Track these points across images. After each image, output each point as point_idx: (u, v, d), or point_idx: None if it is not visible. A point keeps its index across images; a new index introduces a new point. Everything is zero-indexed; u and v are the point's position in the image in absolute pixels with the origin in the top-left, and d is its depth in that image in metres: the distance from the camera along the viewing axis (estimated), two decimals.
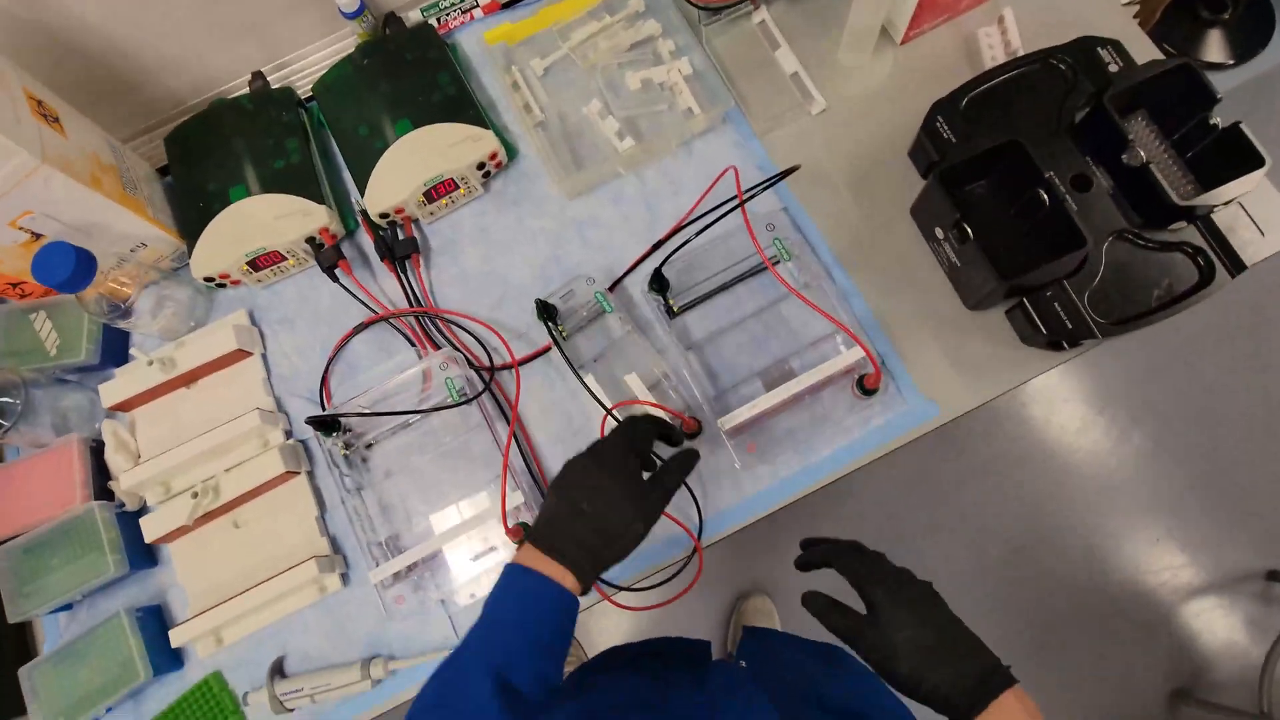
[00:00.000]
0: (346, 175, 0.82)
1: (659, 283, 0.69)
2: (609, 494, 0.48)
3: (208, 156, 0.79)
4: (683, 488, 0.67)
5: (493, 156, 0.76)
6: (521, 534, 0.63)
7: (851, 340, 0.67)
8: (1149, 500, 1.51)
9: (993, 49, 0.78)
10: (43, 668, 0.67)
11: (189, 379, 0.75)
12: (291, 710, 0.67)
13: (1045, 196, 0.65)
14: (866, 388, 0.64)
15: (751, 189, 0.65)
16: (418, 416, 0.71)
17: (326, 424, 0.67)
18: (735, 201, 0.66)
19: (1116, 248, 0.67)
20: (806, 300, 0.66)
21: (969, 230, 0.65)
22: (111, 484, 0.73)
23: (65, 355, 0.74)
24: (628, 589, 0.68)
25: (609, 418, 0.65)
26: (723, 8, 0.79)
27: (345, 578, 0.70)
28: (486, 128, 0.76)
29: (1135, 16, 0.79)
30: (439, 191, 0.76)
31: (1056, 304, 0.65)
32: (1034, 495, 1.52)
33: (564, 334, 0.70)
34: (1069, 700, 1.44)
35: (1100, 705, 1.42)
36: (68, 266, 0.64)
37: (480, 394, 0.69)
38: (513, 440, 0.70)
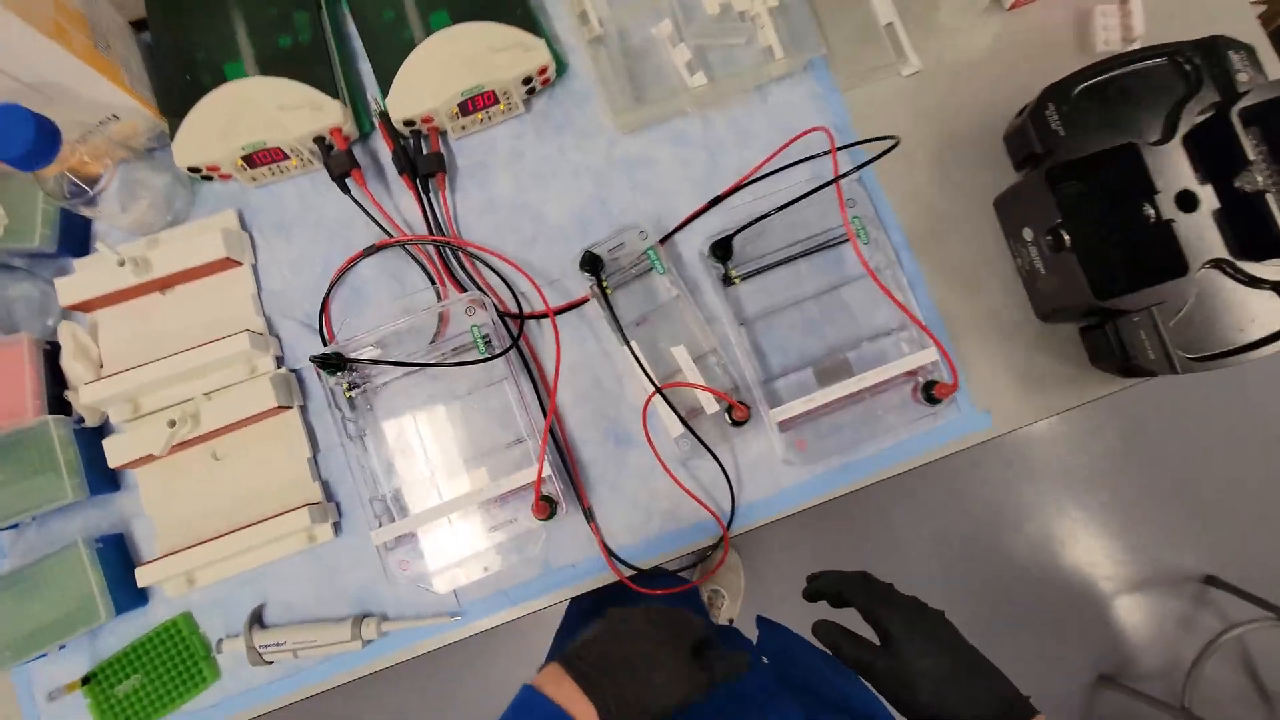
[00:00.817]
0: (363, 66, 0.70)
1: (723, 250, 0.62)
2: (668, 664, 0.40)
3: (198, 18, 0.66)
4: (719, 469, 0.63)
5: (542, 71, 0.66)
6: (548, 511, 0.58)
7: (922, 340, 0.62)
8: (1107, 497, 1.57)
9: (1108, 30, 0.70)
10: None
11: (164, 284, 0.65)
12: (270, 663, 0.62)
13: (1154, 212, 0.60)
14: (934, 396, 0.60)
15: (849, 170, 0.58)
16: (428, 366, 0.64)
17: (331, 362, 0.59)
18: (813, 168, 0.58)
19: (1209, 276, 0.62)
20: (886, 291, 0.60)
21: (1067, 238, 0.60)
22: (69, 394, 0.64)
23: (15, 238, 0.63)
24: (647, 573, 0.64)
25: (655, 398, 0.59)
26: None
27: (338, 527, 0.64)
28: (539, 35, 0.66)
29: (1259, 17, 0.72)
30: (476, 104, 0.65)
31: (1142, 331, 0.61)
32: (1000, 479, 1.56)
33: (608, 291, 0.63)
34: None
35: (1026, 683, 1.51)
36: (25, 138, 0.53)
37: (511, 347, 0.61)
38: (539, 400, 0.63)
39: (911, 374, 0.63)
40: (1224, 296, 0.62)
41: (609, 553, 0.63)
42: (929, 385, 0.61)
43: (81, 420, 0.63)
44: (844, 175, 0.58)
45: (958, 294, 0.68)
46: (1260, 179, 0.60)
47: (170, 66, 0.66)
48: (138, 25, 0.69)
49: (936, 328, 0.66)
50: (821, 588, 0.52)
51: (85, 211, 0.62)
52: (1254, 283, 0.62)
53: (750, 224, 0.60)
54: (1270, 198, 0.59)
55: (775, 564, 1.50)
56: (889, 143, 0.58)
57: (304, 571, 0.64)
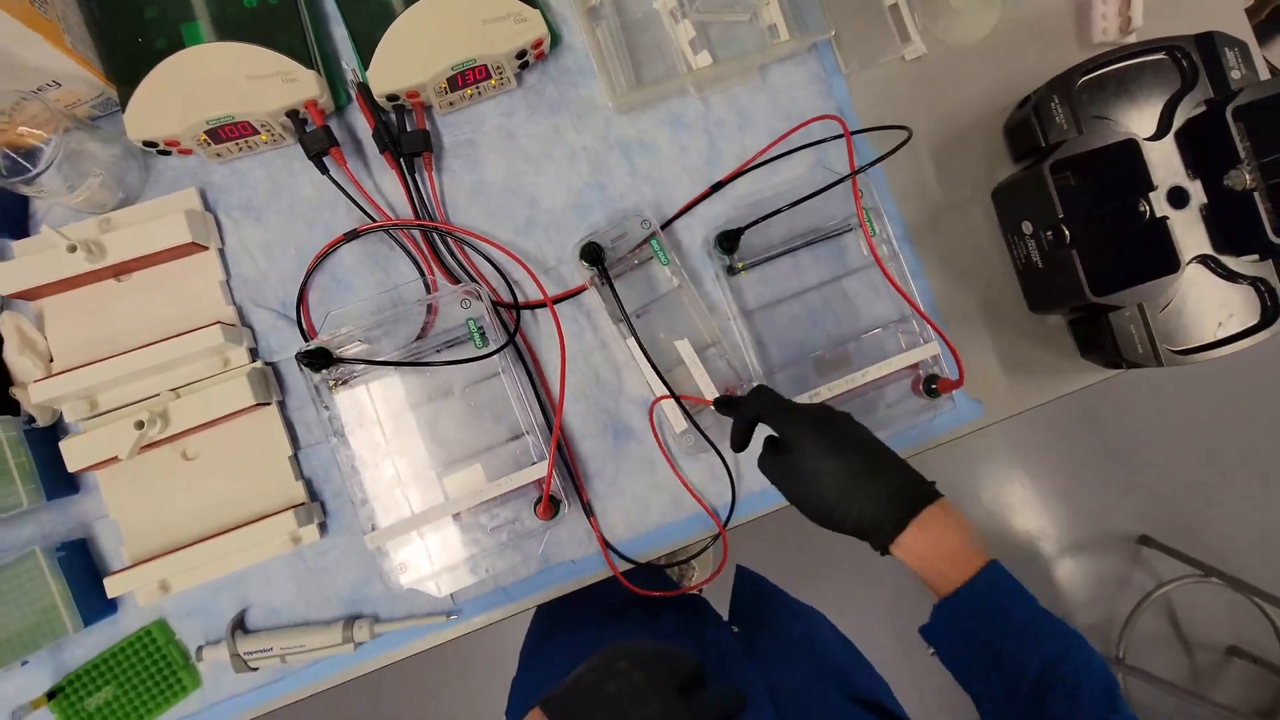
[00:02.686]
0: (336, 30, 0.64)
1: (730, 242, 0.60)
2: (654, 707, 0.37)
3: None
4: (721, 464, 0.63)
5: (536, 44, 0.62)
6: (554, 513, 0.56)
7: (923, 333, 0.63)
8: (1053, 459, 1.65)
9: (1106, 20, 0.70)
10: None
11: (120, 270, 0.60)
12: (255, 669, 0.59)
13: (1149, 209, 0.61)
14: (935, 391, 0.60)
15: (867, 164, 0.56)
16: (422, 366, 0.61)
17: (317, 359, 0.55)
18: (815, 153, 0.57)
19: (1193, 271, 0.64)
20: (897, 286, 0.59)
21: (1068, 235, 0.60)
22: (15, 392, 0.58)
23: None
24: (645, 566, 0.63)
25: (663, 402, 0.57)
26: None
27: (324, 527, 0.61)
28: (533, 4, 0.61)
29: (1244, 10, 0.73)
30: (465, 79, 0.61)
31: (1132, 326, 0.62)
32: (964, 452, 1.62)
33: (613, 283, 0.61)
34: None
35: None
36: None
37: (509, 342, 0.58)
38: (536, 394, 0.61)
39: (912, 367, 0.63)
40: (1206, 292, 0.65)
41: (608, 548, 0.63)
42: (930, 379, 0.61)
43: (32, 420, 0.58)
44: (862, 169, 0.57)
45: (953, 284, 0.68)
46: (1249, 177, 0.61)
47: (116, 27, 0.59)
48: None
49: (933, 318, 0.66)
50: (745, 414, 0.52)
51: (25, 190, 0.56)
52: (1234, 277, 0.65)
53: (763, 218, 0.58)
54: (1258, 196, 0.61)
55: (757, 547, 1.53)
56: (901, 136, 0.57)
57: (289, 574, 0.61)
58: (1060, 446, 1.66)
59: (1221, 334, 0.64)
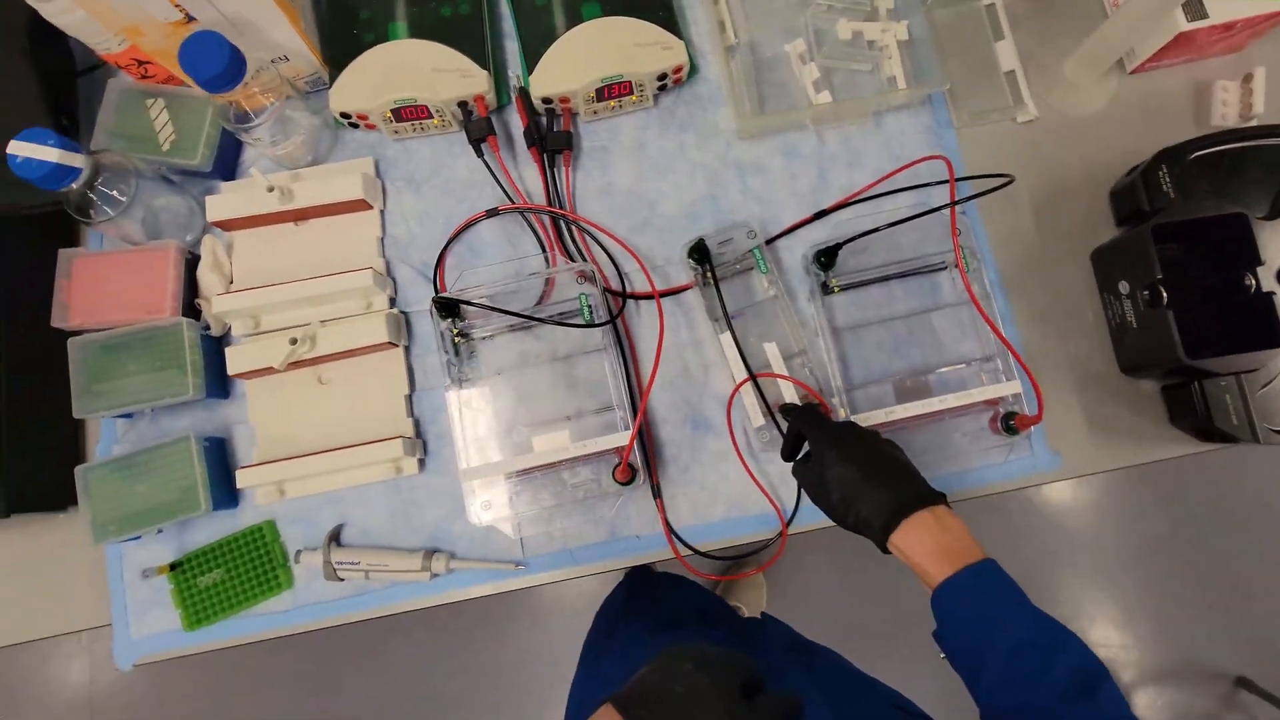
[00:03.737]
0: (509, 44, 0.75)
1: (828, 258, 0.65)
2: (717, 707, 0.39)
3: None
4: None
5: (677, 70, 0.70)
6: (629, 477, 0.61)
7: (1005, 373, 0.64)
8: (1144, 577, 1.54)
9: (1226, 105, 0.72)
10: (100, 471, 0.64)
11: (300, 215, 0.70)
12: (342, 580, 0.65)
13: (1255, 283, 0.62)
14: (1013, 427, 0.62)
15: (968, 197, 0.60)
16: (536, 321, 0.67)
17: (449, 307, 0.63)
18: (918, 195, 0.61)
19: None
20: (987, 318, 0.62)
21: (1165, 295, 0.62)
22: (199, 302, 0.69)
23: (178, 154, 0.69)
24: (704, 554, 0.66)
25: (746, 385, 0.62)
26: None
27: (422, 464, 0.68)
28: (679, 36, 0.70)
29: None
30: (611, 92, 0.69)
31: (1227, 396, 0.62)
32: (1041, 538, 1.54)
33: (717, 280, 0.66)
34: None
35: None
36: (220, 62, 0.58)
37: (614, 319, 0.65)
38: (626, 374, 0.67)
39: (991, 403, 0.64)
40: None
41: (670, 530, 0.66)
42: (1009, 415, 0.62)
43: (208, 328, 0.68)
44: (961, 200, 0.61)
45: (1043, 336, 0.70)
46: None
47: (338, 20, 0.72)
48: None
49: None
50: (792, 429, 0.59)
51: (245, 138, 0.68)
52: None
53: (859, 236, 0.63)
54: None
55: (799, 588, 1.51)
56: (1004, 178, 0.61)
57: (385, 500, 0.67)
58: (1157, 560, 1.55)
59: None
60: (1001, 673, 0.44)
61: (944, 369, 0.67)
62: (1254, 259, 0.62)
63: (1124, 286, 0.66)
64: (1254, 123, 0.71)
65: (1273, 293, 0.61)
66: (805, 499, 0.66)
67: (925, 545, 0.48)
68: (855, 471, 0.51)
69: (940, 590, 0.47)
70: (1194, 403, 0.63)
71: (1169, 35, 0.67)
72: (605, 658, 0.75)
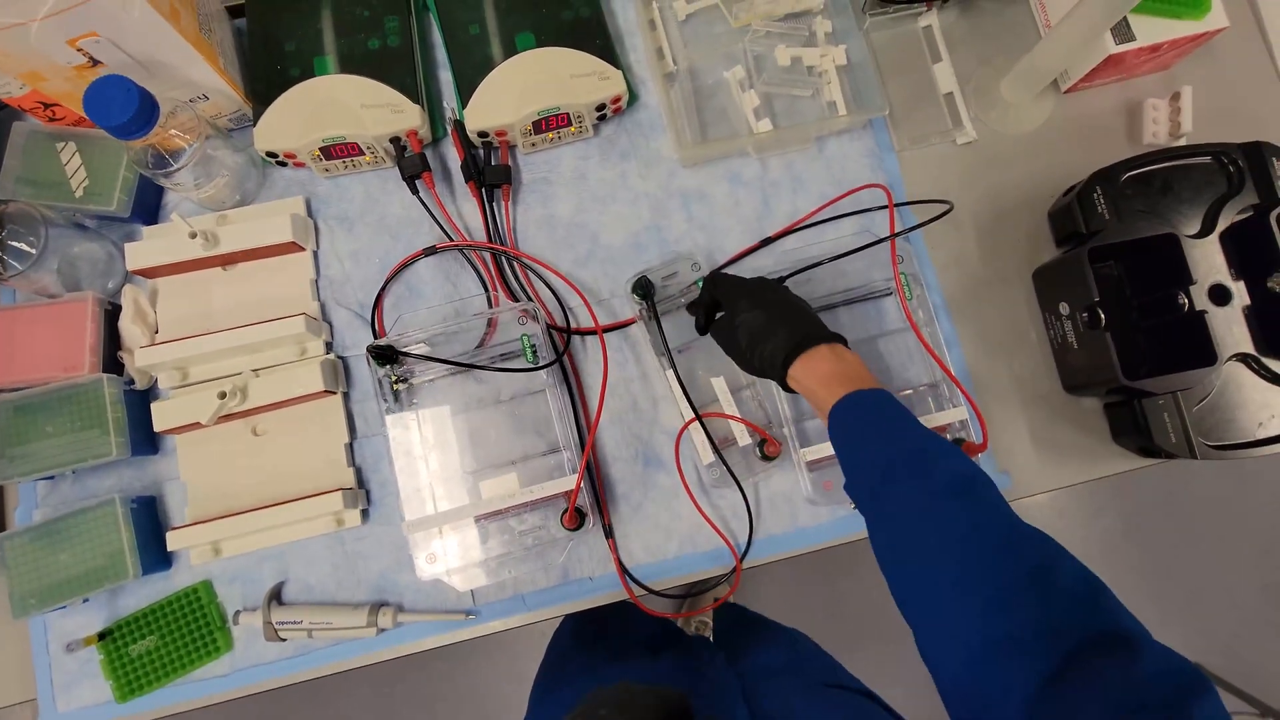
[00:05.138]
0: (443, 75, 0.73)
1: None
2: None
3: (293, 13, 0.69)
4: (741, 500, 0.65)
5: (615, 100, 0.69)
6: (578, 522, 0.59)
7: (953, 398, 0.65)
8: (1099, 575, 1.57)
9: (1156, 124, 0.73)
10: (18, 540, 0.61)
11: (228, 260, 0.68)
12: (284, 640, 0.63)
13: (1187, 302, 0.63)
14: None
15: (908, 229, 0.60)
16: (477, 368, 0.66)
17: (385, 354, 0.61)
18: (861, 221, 0.61)
19: (1233, 369, 0.65)
20: (927, 345, 0.62)
21: (1103, 317, 0.62)
22: (122, 355, 0.66)
23: (93, 200, 0.65)
24: (658, 593, 0.65)
25: (692, 425, 0.61)
26: (900, 0, 0.72)
27: (366, 514, 0.65)
28: (617, 65, 0.68)
29: None
30: (549, 124, 0.68)
31: (1165, 414, 0.63)
32: None
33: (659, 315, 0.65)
34: None
35: None
36: (129, 108, 0.55)
37: (558, 359, 0.63)
38: (575, 414, 0.65)
39: (940, 429, 0.64)
40: (1246, 390, 0.65)
41: (623, 570, 0.65)
42: (956, 443, 0.62)
43: (131, 382, 0.65)
44: (901, 233, 0.61)
45: (988, 358, 0.70)
46: None
47: (261, 55, 0.69)
48: (232, 11, 0.72)
49: (966, 388, 0.68)
50: (702, 300, 0.62)
51: (164, 182, 0.65)
52: (1277, 380, 0.65)
53: (804, 269, 0.62)
54: None
55: (767, 601, 1.51)
56: (944, 207, 0.61)
57: (327, 554, 0.65)
58: (1109, 556, 1.59)
59: (1261, 434, 0.64)
60: (886, 480, 0.45)
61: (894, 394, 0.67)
62: (1185, 278, 0.63)
63: (1064, 308, 0.66)
64: (1183, 141, 0.73)
65: (1204, 311, 0.62)
66: (759, 531, 0.66)
67: (821, 372, 0.51)
68: (762, 315, 0.54)
69: (834, 410, 0.49)
70: (1135, 421, 0.64)
71: (1099, 57, 0.68)
72: (552, 694, 0.73)
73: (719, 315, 0.61)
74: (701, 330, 0.62)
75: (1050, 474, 0.68)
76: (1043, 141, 0.74)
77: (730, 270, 0.67)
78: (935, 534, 0.41)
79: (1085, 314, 0.64)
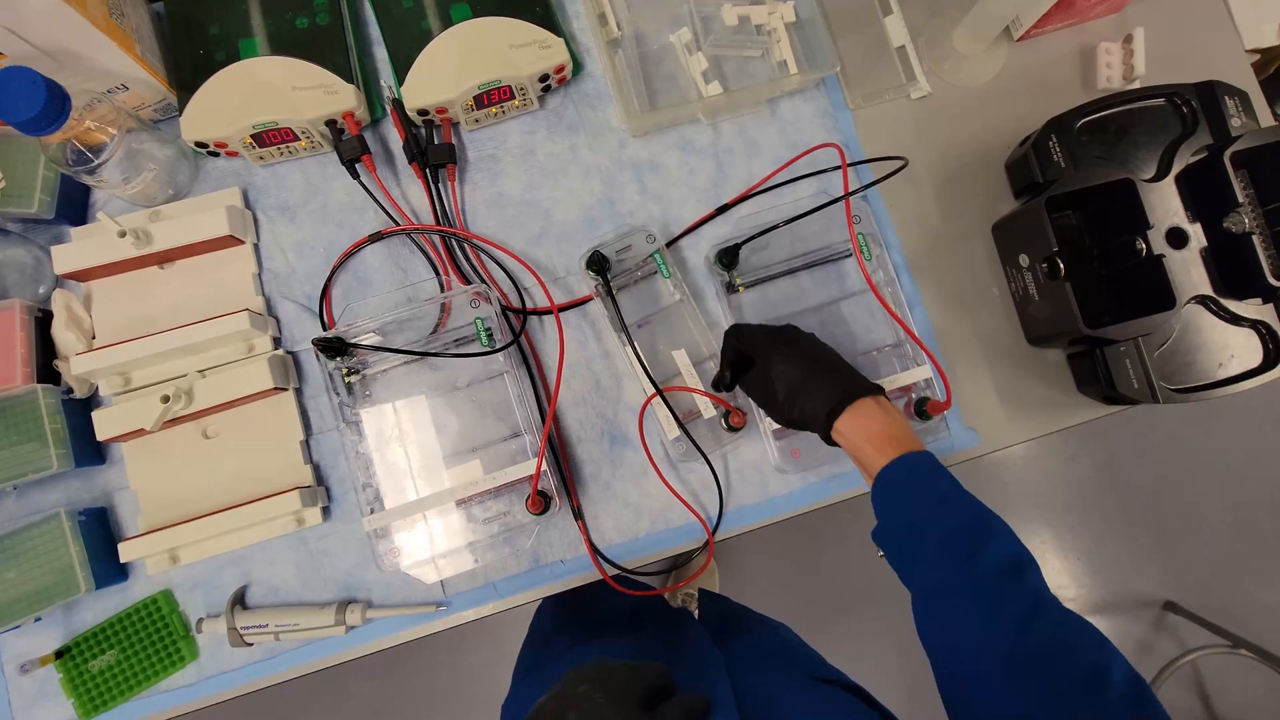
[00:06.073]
0: (378, 52, 0.70)
1: (729, 258, 0.63)
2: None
3: None
4: (710, 473, 0.64)
5: (559, 70, 0.66)
6: (543, 506, 0.58)
7: (917, 357, 0.64)
8: (1075, 521, 1.61)
9: (1110, 68, 0.72)
10: None
11: (164, 258, 0.65)
12: (250, 645, 0.61)
13: (1145, 247, 0.62)
14: (926, 412, 0.61)
15: (860, 188, 0.59)
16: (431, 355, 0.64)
17: (333, 346, 0.59)
18: (819, 182, 0.59)
19: (1193, 311, 0.65)
20: (887, 306, 0.61)
21: (1062, 267, 0.62)
22: (58, 364, 0.63)
23: (12, 202, 0.62)
24: (632, 575, 0.65)
25: (655, 400, 0.60)
26: None
27: (327, 512, 0.64)
28: (558, 33, 0.66)
29: (1252, 65, 0.74)
30: (491, 98, 0.65)
31: (1127, 361, 0.63)
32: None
33: (614, 291, 0.63)
34: None
35: None
36: (36, 102, 0.52)
37: (514, 342, 0.61)
38: (537, 396, 0.64)
39: (905, 389, 0.64)
40: (1206, 332, 0.65)
41: (595, 551, 0.64)
42: (921, 401, 0.62)
43: (70, 391, 0.62)
44: (854, 192, 0.59)
45: (952, 315, 0.69)
46: (1247, 220, 0.62)
47: (183, 39, 0.65)
48: None
49: (930, 347, 0.68)
50: (727, 359, 0.59)
51: (87, 180, 0.61)
52: (1235, 320, 0.65)
53: (758, 234, 0.61)
54: (1256, 239, 0.61)
55: (750, 568, 1.52)
56: (898, 163, 0.59)
57: (290, 555, 0.63)
58: (1084, 500, 1.61)
59: (1222, 374, 0.64)
60: (934, 556, 0.45)
61: (858, 357, 0.66)
62: (1143, 223, 0.62)
63: (1024, 259, 0.66)
64: (1136, 84, 0.72)
65: (1162, 255, 0.62)
66: (730, 503, 0.65)
67: (869, 429, 0.50)
68: (799, 367, 0.53)
69: (882, 474, 0.49)
70: (1097, 369, 0.64)
71: (1051, 1, 0.67)
72: (533, 673, 0.73)
73: (749, 369, 0.58)
74: (729, 386, 0.59)
75: (1017, 428, 0.68)
76: (997, 92, 0.73)
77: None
78: (987, 618, 0.42)
79: (1045, 265, 0.63)
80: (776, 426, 0.62)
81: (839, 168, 0.67)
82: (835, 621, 1.50)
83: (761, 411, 0.62)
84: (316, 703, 1.49)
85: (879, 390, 0.52)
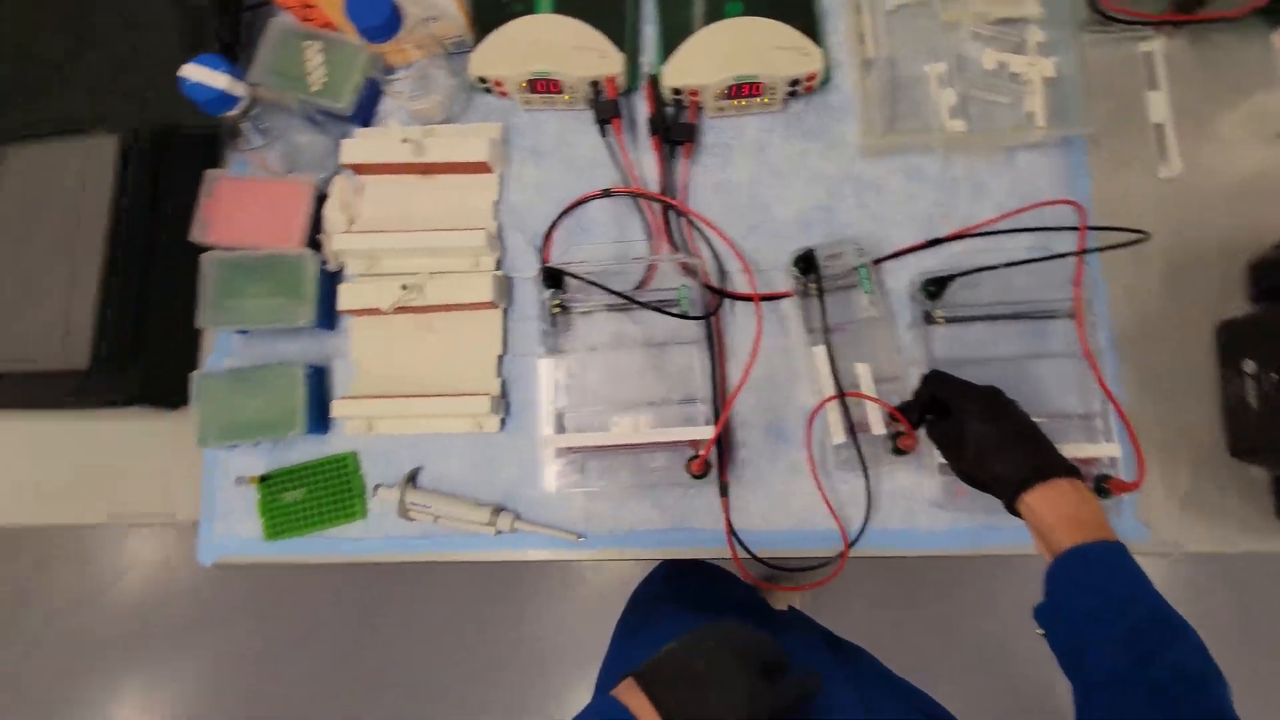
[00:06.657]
0: (647, 28, 0.76)
1: (937, 288, 0.64)
2: (735, 683, 0.40)
3: None
4: (863, 488, 0.65)
5: (810, 77, 0.70)
6: (704, 471, 0.61)
7: (1106, 433, 0.62)
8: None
9: None
10: (213, 380, 0.69)
11: (427, 169, 0.73)
12: (412, 520, 0.68)
13: None
14: (1105, 490, 0.59)
15: (1097, 249, 0.59)
16: (636, 304, 0.69)
17: (554, 276, 0.65)
18: (1039, 238, 0.59)
19: None
20: (1100, 378, 0.60)
21: None
22: (321, 237, 0.73)
23: (326, 96, 0.72)
24: (762, 561, 0.67)
25: (828, 405, 0.62)
26: (1127, 20, 0.69)
27: (504, 424, 0.70)
28: (818, 43, 0.69)
29: None
30: (741, 91, 0.70)
31: None
32: None
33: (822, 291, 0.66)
34: None
35: None
36: (382, 13, 0.61)
37: (713, 313, 0.65)
38: (713, 371, 0.67)
39: (1085, 462, 0.62)
40: None
41: (732, 531, 0.66)
42: (1102, 478, 0.60)
43: (325, 262, 0.72)
44: (1089, 250, 0.59)
45: (1149, 401, 0.67)
46: None
47: None
48: None
49: (1120, 428, 0.65)
50: (921, 399, 0.59)
51: (387, 90, 0.71)
52: None
53: (974, 271, 0.62)
54: None
55: (844, 606, 1.48)
56: (1139, 234, 0.58)
57: (465, 452, 0.70)
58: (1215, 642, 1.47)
59: None
60: (1112, 650, 0.43)
61: (1040, 419, 0.65)
62: None
63: (1249, 365, 0.62)
64: None
65: None
66: (873, 521, 0.66)
67: (1061, 510, 0.49)
68: (995, 431, 0.53)
69: (1065, 557, 0.47)
70: None
71: None
72: (639, 635, 0.76)
73: (941, 418, 0.58)
74: (915, 425, 0.60)
75: (1196, 537, 0.64)
76: (1256, 189, 0.69)
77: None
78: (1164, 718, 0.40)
79: (1275, 375, 0.60)
80: (944, 460, 0.62)
81: (1072, 229, 0.66)
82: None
83: (933, 444, 0.63)
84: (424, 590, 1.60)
85: (1075, 471, 0.51)
